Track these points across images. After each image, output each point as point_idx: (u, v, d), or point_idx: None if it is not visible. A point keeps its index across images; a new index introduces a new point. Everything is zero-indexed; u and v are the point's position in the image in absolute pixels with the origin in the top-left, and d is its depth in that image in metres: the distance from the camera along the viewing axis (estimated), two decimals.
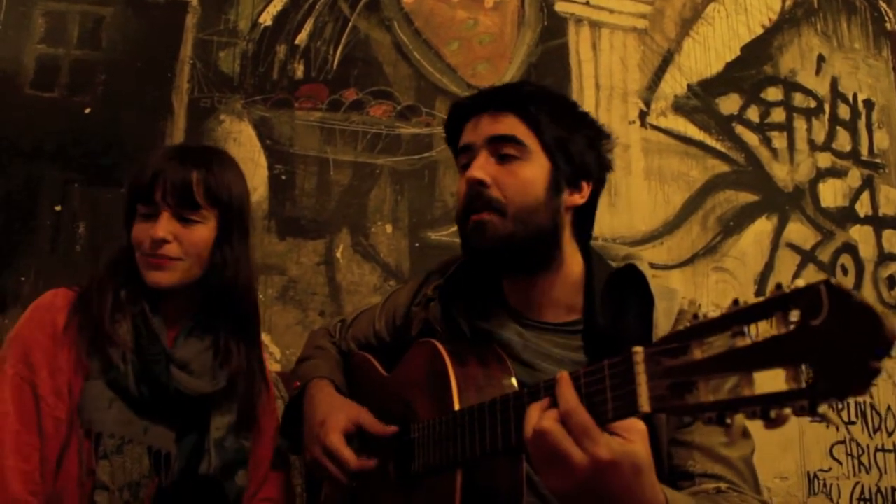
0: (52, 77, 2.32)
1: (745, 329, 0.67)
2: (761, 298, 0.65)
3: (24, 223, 2.24)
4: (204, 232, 1.37)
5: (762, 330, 0.66)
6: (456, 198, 1.28)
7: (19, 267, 2.22)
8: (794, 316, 0.62)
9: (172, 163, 1.36)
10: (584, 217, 1.29)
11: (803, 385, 0.60)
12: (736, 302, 0.68)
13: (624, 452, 0.80)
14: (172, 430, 1.35)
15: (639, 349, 0.77)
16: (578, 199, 1.25)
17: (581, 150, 1.24)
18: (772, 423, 0.63)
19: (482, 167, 1.21)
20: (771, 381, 0.66)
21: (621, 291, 1.20)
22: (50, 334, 1.31)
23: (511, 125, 1.22)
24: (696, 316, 0.72)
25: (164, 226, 1.34)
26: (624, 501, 0.82)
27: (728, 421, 0.66)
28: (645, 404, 0.74)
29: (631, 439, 0.82)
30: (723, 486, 1.07)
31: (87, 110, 2.34)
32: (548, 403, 0.86)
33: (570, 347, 1.22)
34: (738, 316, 0.67)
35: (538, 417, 0.84)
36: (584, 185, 1.26)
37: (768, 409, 0.62)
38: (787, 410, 0.61)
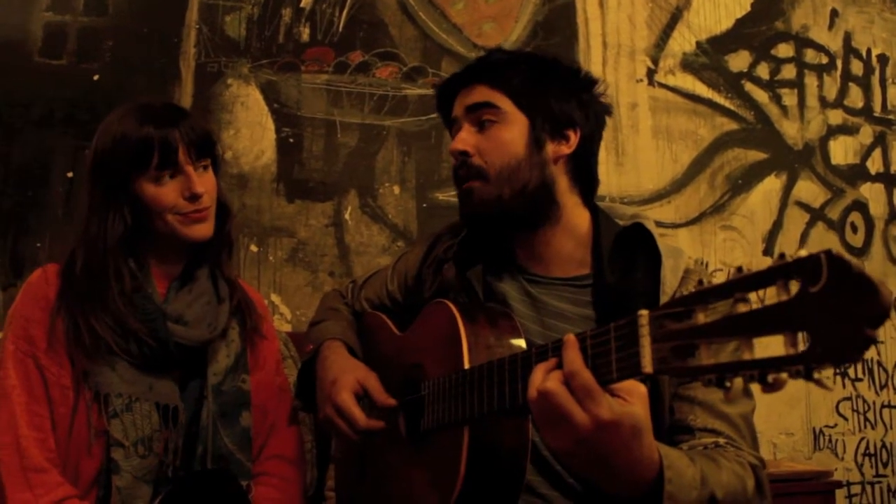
0: (60, 44, 2.33)
1: (747, 296, 0.68)
2: (764, 267, 0.67)
3: (38, 189, 2.27)
4: (213, 176, 1.45)
5: (765, 297, 0.68)
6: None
7: (34, 232, 2.25)
8: (795, 284, 0.64)
9: (169, 122, 1.38)
10: (582, 165, 1.32)
11: (800, 351, 0.62)
12: (740, 269, 0.70)
13: (624, 413, 0.83)
14: (176, 384, 1.40)
15: (644, 312, 0.78)
16: (565, 148, 1.28)
17: (560, 101, 1.27)
18: (769, 388, 0.66)
19: (463, 139, 1.27)
20: (774, 346, 0.68)
21: (629, 249, 1.23)
22: (44, 307, 1.36)
23: (483, 93, 1.27)
24: (700, 281, 0.74)
25: (198, 180, 1.39)
26: (621, 459, 0.86)
27: (727, 384, 0.68)
28: (648, 365, 0.76)
29: (632, 401, 0.85)
30: (721, 440, 1.11)
31: (96, 77, 2.35)
32: (554, 364, 0.88)
33: (580, 303, 1.25)
34: (741, 283, 0.69)
35: (542, 378, 0.87)
36: (571, 133, 1.29)
37: (766, 373, 0.64)
38: (784, 375, 0.63)
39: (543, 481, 1.21)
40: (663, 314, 0.76)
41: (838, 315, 0.60)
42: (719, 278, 0.72)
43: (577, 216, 1.30)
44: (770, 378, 0.65)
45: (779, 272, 0.65)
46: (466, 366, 1.12)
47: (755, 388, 0.66)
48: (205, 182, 1.41)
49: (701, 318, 0.72)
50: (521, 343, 1.17)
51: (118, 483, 1.30)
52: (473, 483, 1.08)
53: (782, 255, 0.65)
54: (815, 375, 0.63)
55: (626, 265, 1.21)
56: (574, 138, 1.29)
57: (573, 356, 0.85)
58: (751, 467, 1.07)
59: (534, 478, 1.21)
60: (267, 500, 1.47)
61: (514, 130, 1.26)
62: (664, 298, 1.14)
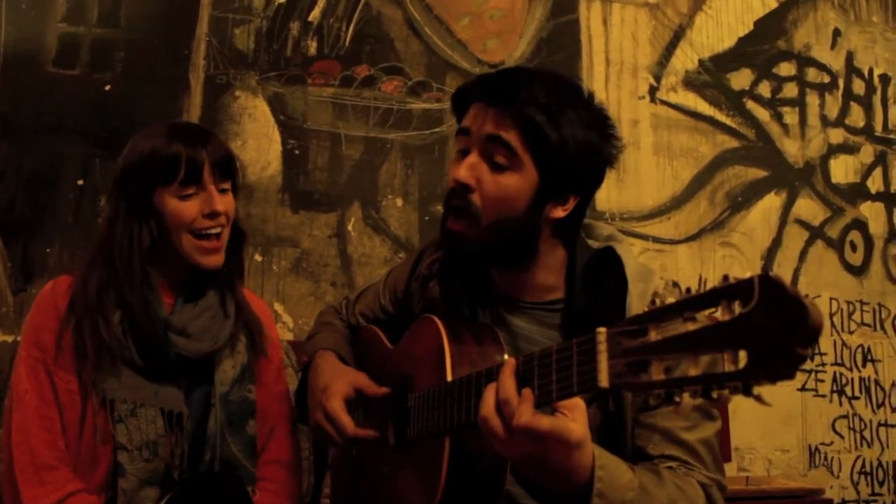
0: (73, 55, 2.40)
1: (696, 315, 0.72)
2: (709, 288, 0.71)
3: (49, 196, 2.33)
4: (232, 199, 1.50)
5: (714, 315, 0.71)
6: (448, 179, 1.28)
7: (44, 238, 2.32)
8: (738, 305, 0.68)
9: (198, 141, 1.45)
10: (570, 223, 1.28)
11: (740, 368, 0.66)
12: (688, 290, 0.74)
13: (556, 427, 0.91)
14: (181, 391, 1.45)
15: (602, 330, 0.83)
16: (560, 212, 1.23)
17: (577, 159, 1.19)
18: (715, 402, 0.69)
19: (470, 167, 1.20)
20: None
21: (601, 273, 1.24)
22: (55, 317, 1.42)
23: (510, 132, 1.18)
24: (653, 301, 0.78)
25: (218, 199, 1.44)
26: (558, 467, 0.95)
27: (676, 399, 0.72)
28: (604, 380, 0.81)
29: (571, 416, 0.92)
30: (674, 465, 1.13)
31: (108, 87, 2.41)
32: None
33: (550, 326, 1.27)
34: (689, 303, 0.72)
35: (484, 402, 0.97)
36: (571, 198, 1.24)
37: (709, 388, 0.68)
38: (725, 391, 0.67)
39: (523, 492, 1.25)
40: (619, 331, 0.80)
41: (772, 334, 0.64)
42: None
43: (553, 253, 1.28)
44: (714, 393, 0.69)
45: (722, 293, 0.69)
46: (449, 379, 1.16)
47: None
48: (224, 202, 1.46)
49: (654, 335, 0.76)
50: (503, 358, 1.20)
51: (123, 485, 1.36)
52: (454, 492, 1.12)
53: (725, 277, 0.69)
54: (755, 391, 0.66)
55: (595, 290, 1.23)
56: (571, 203, 1.24)
57: (506, 383, 0.94)
58: (700, 485, 1.11)
59: (513, 488, 1.24)
60: None
61: (521, 184, 1.19)
62: None
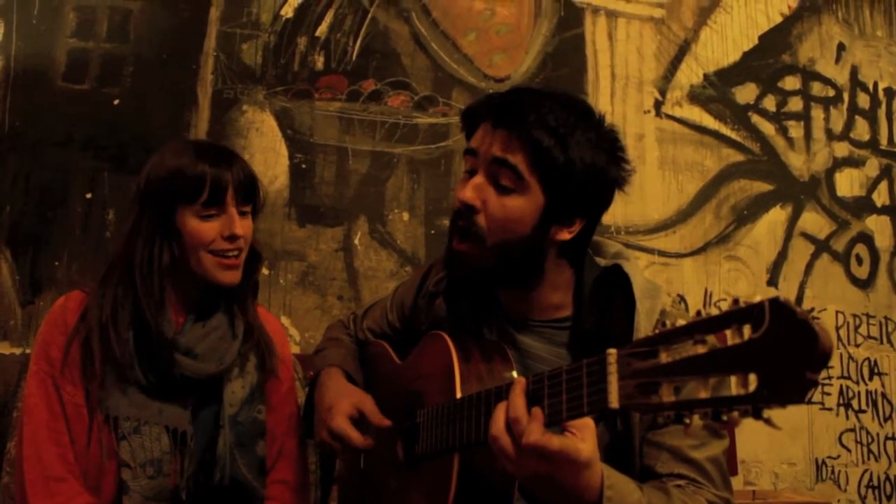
0: (82, 70, 2.42)
1: (706, 338, 0.73)
2: (720, 311, 0.72)
3: (57, 210, 2.35)
4: (251, 223, 1.50)
5: (724, 338, 0.72)
6: (454, 199, 1.27)
7: (53, 251, 2.33)
8: (748, 329, 0.69)
9: (224, 163, 1.45)
10: (576, 245, 1.27)
11: (750, 391, 0.66)
12: (699, 313, 0.74)
13: (565, 446, 0.92)
14: (187, 410, 1.46)
15: (612, 351, 0.83)
16: (566, 234, 1.22)
17: (583, 182, 1.18)
18: (724, 424, 0.70)
19: (476, 189, 1.20)
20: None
21: (608, 291, 1.25)
22: (63, 332, 1.43)
23: (516, 155, 1.17)
24: (663, 323, 0.78)
25: (239, 222, 1.44)
26: (567, 485, 0.96)
27: (686, 420, 0.72)
28: (615, 401, 0.81)
29: (580, 436, 0.93)
30: (683, 483, 1.14)
31: (116, 102, 2.43)
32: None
33: (558, 344, 1.28)
34: (700, 326, 0.73)
35: (495, 421, 0.98)
36: (577, 221, 1.23)
37: (719, 411, 0.69)
38: (735, 413, 0.68)
39: None
40: (630, 353, 0.80)
41: (782, 359, 0.64)
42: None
43: (560, 273, 1.28)
44: (724, 416, 0.70)
45: (732, 317, 0.69)
46: (458, 395, 1.17)
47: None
48: (244, 226, 1.45)
49: (664, 357, 0.77)
50: (512, 374, 1.21)
51: (128, 503, 1.37)
52: None
53: (736, 301, 0.70)
54: (764, 415, 0.67)
55: (603, 308, 1.23)
56: (577, 226, 1.23)
57: (516, 402, 0.95)
58: (708, 503, 1.11)
59: None
60: None
61: (527, 207, 1.18)
62: None
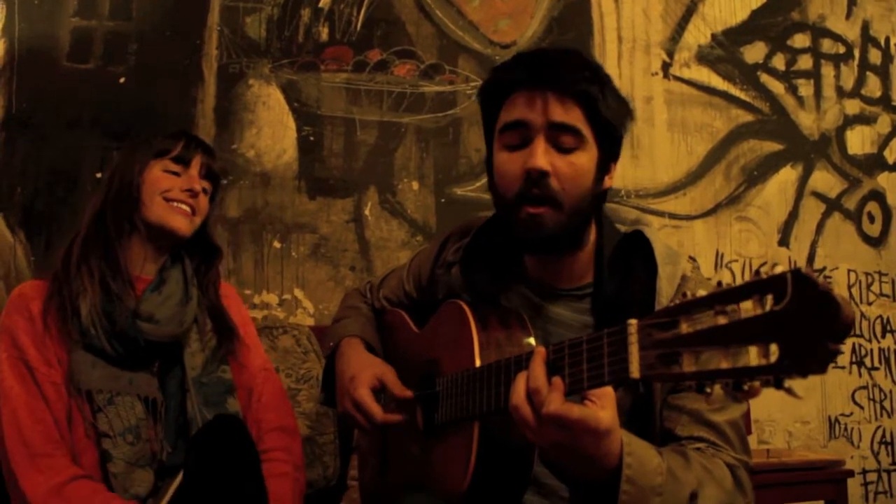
0: (86, 49, 2.40)
1: (727, 308, 0.74)
2: (741, 282, 0.72)
3: (68, 190, 2.35)
4: (207, 203, 1.66)
5: (745, 309, 0.73)
6: (502, 177, 1.25)
7: (66, 231, 2.33)
8: (770, 299, 0.69)
9: (196, 140, 1.67)
10: (604, 196, 1.32)
11: (771, 361, 0.67)
12: (720, 283, 0.75)
13: (585, 415, 0.93)
14: (154, 377, 1.53)
15: (633, 322, 0.84)
16: (609, 181, 1.28)
17: (619, 127, 1.25)
18: (745, 394, 0.71)
19: (545, 155, 1.20)
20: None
21: (629, 257, 1.26)
22: (27, 317, 1.49)
23: (575, 115, 1.20)
24: (684, 294, 0.79)
25: (199, 182, 1.62)
26: (588, 453, 0.97)
27: (707, 390, 0.73)
28: (636, 371, 0.82)
29: (600, 404, 0.95)
30: (702, 446, 1.16)
31: (122, 80, 2.42)
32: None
33: (581, 311, 1.29)
34: (721, 296, 0.74)
35: (515, 390, 0.99)
36: (613, 167, 1.28)
37: (740, 381, 0.70)
38: (756, 383, 0.68)
39: (549, 473, 1.27)
40: (651, 323, 0.81)
41: (804, 330, 0.65)
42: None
43: (591, 237, 1.31)
44: (745, 386, 0.71)
45: (753, 288, 0.70)
46: (477, 363, 1.18)
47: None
48: (199, 201, 1.62)
49: (685, 328, 0.77)
50: (531, 342, 1.22)
51: (113, 470, 1.42)
52: (483, 475, 1.15)
53: (757, 272, 0.70)
54: (786, 385, 0.68)
55: (624, 274, 1.25)
56: (613, 171, 1.29)
57: (537, 372, 0.97)
58: (727, 466, 1.13)
59: (540, 469, 1.26)
60: (279, 475, 1.56)
61: (589, 161, 1.21)
62: (659, 307, 1.17)
